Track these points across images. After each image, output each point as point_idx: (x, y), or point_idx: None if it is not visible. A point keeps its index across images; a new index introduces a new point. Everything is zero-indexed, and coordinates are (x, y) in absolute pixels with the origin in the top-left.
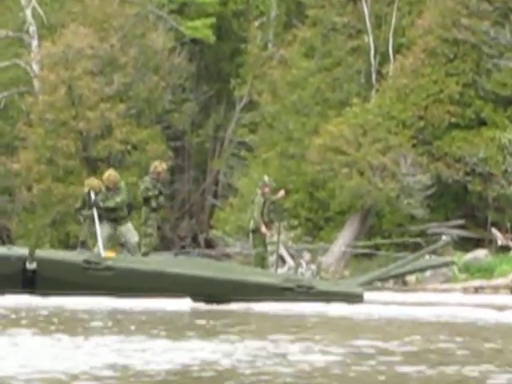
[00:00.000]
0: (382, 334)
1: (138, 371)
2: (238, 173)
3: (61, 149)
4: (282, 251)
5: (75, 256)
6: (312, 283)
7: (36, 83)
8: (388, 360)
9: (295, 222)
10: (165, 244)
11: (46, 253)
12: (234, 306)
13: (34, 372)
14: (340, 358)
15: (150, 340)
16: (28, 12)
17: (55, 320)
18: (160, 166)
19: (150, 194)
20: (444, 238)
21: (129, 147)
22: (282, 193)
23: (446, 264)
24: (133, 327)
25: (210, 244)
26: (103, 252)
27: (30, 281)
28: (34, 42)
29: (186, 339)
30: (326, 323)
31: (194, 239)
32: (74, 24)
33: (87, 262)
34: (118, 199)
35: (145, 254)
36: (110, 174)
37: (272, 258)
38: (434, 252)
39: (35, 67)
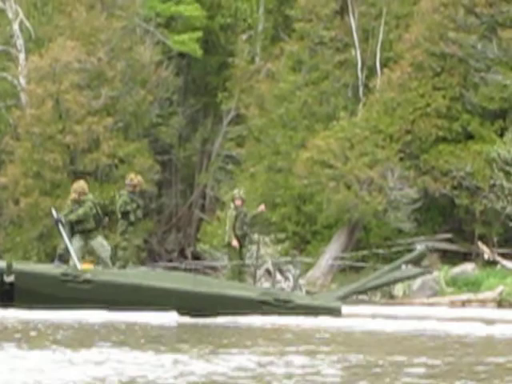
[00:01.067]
0: (369, 347)
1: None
2: (225, 186)
3: (48, 162)
4: (269, 265)
5: (53, 269)
6: (290, 297)
7: (23, 97)
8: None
9: (282, 236)
10: (152, 257)
11: (24, 266)
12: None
13: None
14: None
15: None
16: (15, 25)
17: (31, 333)
18: (136, 178)
19: (129, 208)
20: (419, 247)
21: (116, 161)
22: (262, 207)
23: (422, 273)
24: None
25: (197, 257)
26: (79, 265)
27: (7, 294)
28: (22, 56)
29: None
30: (309, 336)
31: (182, 253)
32: (62, 38)
33: (65, 274)
34: (81, 211)
35: (121, 267)
36: (77, 185)
37: (260, 272)
38: (416, 264)
39: (22, 81)
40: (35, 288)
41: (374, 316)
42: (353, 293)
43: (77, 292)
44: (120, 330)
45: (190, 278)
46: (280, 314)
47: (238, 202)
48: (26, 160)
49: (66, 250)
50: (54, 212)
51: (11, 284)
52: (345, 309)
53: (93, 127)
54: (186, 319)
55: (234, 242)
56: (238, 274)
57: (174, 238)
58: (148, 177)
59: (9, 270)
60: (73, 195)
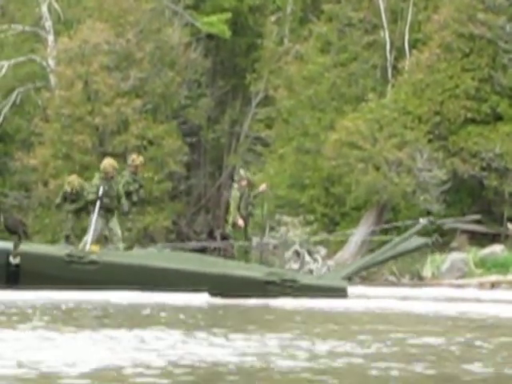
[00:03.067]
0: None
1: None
2: (253, 168)
3: (77, 144)
4: (297, 247)
5: (59, 250)
6: (295, 277)
7: (52, 78)
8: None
9: (311, 218)
10: (181, 239)
11: (30, 247)
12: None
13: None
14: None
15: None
16: (44, 7)
17: (41, 314)
18: (138, 159)
19: (131, 188)
20: (421, 220)
21: (145, 142)
22: (263, 186)
23: (426, 244)
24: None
25: (225, 239)
26: (89, 246)
27: (13, 275)
28: (50, 38)
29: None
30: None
31: (210, 234)
32: (91, 19)
33: (70, 256)
34: (120, 188)
35: (128, 248)
36: (111, 161)
37: (288, 254)
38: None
39: (51, 62)
40: (40, 269)
41: (404, 298)
42: (359, 270)
43: (82, 273)
44: (169, 310)
45: (196, 258)
46: (286, 294)
47: (244, 183)
48: (55, 142)
49: (73, 230)
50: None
51: (17, 265)
52: (372, 290)
53: (122, 109)
54: (217, 300)
55: (240, 222)
56: (244, 253)
57: (203, 219)
58: (177, 158)
59: (15, 251)
60: (111, 170)
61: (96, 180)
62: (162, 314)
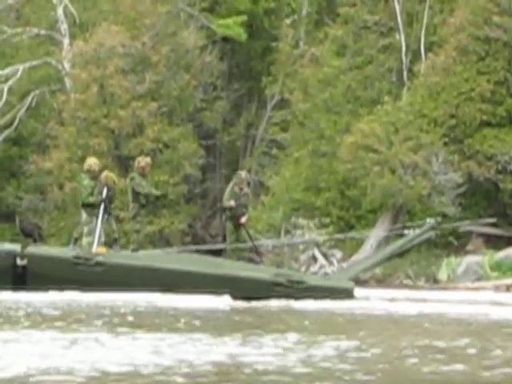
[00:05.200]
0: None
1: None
2: (269, 171)
3: (92, 147)
4: (314, 249)
5: (66, 252)
6: (302, 278)
7: (67, 81)
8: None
9: (327, 220)
10: (196, 242)
11: (37, 249)
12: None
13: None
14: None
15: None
16: (60, 10)
17: (48, 315)
18: (143, 160)
19: (141, 189)
20: (428, 220)
21: (160, 145)
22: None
23: (426, 235)
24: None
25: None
26: (95, 248)
27: (20, 277)
28: (66, 41)
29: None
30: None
31: (225, 238)
32: (106, 22)
33: (77, 257)
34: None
35: (134, 250)
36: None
37: (303, 257)
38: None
39: (67, 65)
40: (47, 271)
41: (417, 300)
42: (365, 270)
43: (89, 275)
44: (192, 314)
45: (203, 259)
46: (293, 295)
47: (243, 185)
48: (70, 145)
49: (81, 234)
50: (105, 191)
51: (24, 267)
52: (390, 293)
53: (137, 112)
54: (240, 303)
55: (232, 202)
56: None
57: (219, 222)
58: (192, 161)
59: (22, 253)
60: (97, 169)
61: (87, 181)
62: (178, 317)
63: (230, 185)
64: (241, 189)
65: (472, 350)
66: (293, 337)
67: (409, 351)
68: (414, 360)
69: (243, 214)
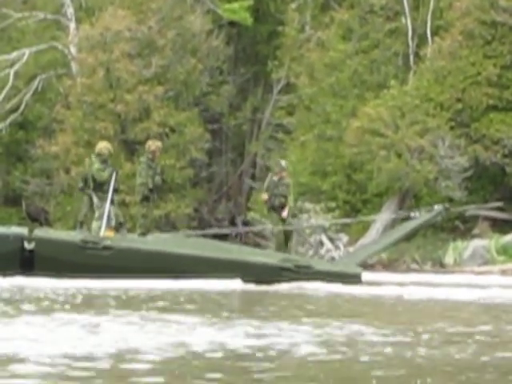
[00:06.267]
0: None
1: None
2: (275, 155)
3: (99, 131)
4: (321, 234)
5: (73, 236)
6: (310, 263)
7: (74, 66)
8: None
9: (333, 204)
10: (202, 227)
11: (45, 232)
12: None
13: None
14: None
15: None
16: None
17: (56, 300)
18: (153, 144)
19: (138, 179)
20: (436, 207)
21: (167, 130)
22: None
23: (434, 217)
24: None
25: (247, 226)
26: (103, 232)
27: (28, 261)
28: (72, 25)
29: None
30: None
31: (232, 221)
32: (112, 6)
33: (85, 241)
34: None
35: (142, 235)
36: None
37: (311, 240)
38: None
39: (73, 50)
40: (55, 255)
41: (423, 284)
42: (373, 255)
43: (96, 259)
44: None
45: (210, 244)
46: (300, 279)
47: (284, 174)
48: (77, 129)
49: (86, 217)
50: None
51: (31, 251)
52: (399, 277)
53: (143, 96)
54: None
55: (265, 196)
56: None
57: (225, 206)
58: (198, 146)
59: (29, 236)
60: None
61: (97, 164)
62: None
63: (270, 174)
64: (280, 178)
65: (494, 333)
66: (307, 321)
67: (450, 337)
68: (455, 347)
69: (282, 206)
